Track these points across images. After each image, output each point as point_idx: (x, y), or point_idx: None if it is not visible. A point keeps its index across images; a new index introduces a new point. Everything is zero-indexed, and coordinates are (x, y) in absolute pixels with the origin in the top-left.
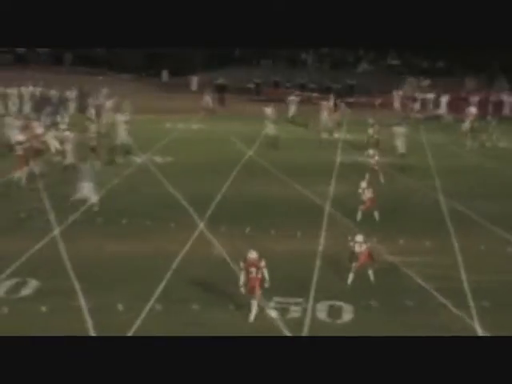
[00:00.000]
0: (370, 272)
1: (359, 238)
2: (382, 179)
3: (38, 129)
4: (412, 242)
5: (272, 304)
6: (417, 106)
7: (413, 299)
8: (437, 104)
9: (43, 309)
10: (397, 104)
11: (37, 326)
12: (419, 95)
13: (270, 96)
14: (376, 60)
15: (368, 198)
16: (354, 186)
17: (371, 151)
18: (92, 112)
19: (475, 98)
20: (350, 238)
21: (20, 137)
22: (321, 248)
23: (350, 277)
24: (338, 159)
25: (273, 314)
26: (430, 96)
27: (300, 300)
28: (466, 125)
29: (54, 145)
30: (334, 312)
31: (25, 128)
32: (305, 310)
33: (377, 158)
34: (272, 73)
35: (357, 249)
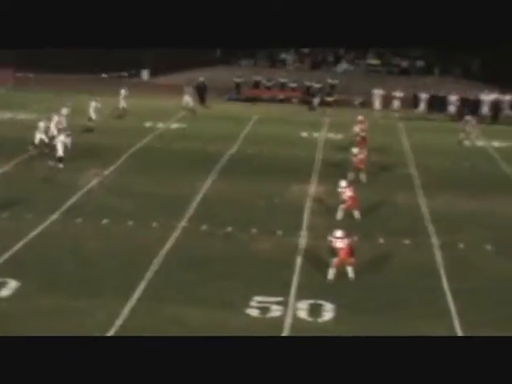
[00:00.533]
0: (350, 269)
1: (339, 233)
2: (363, 178)
3: (54, 130)
4: (392, 241)
5: (252, 303)
6: (397, 104)
7: (393, 298)
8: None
9: (24, 309)
10: (377, 103)
11: (19, 326)
12: (398, 94)
13: (250, 96)
14: (356, 59)
15: (349, 196)
16: (334, 184)
17: (355, 150)
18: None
19: (454, 97)
20: (329, 235)
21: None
22: (301, 247)
23: (331, 272)
24: (319, 157)
25: (251, 312)
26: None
27: (281, 299)
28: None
29: (60, 148)
30: (315, 311)
31: (47, 129)
32: (286, 309)
33: (360, 156)
34: (253, 72)
35: (338, 244)
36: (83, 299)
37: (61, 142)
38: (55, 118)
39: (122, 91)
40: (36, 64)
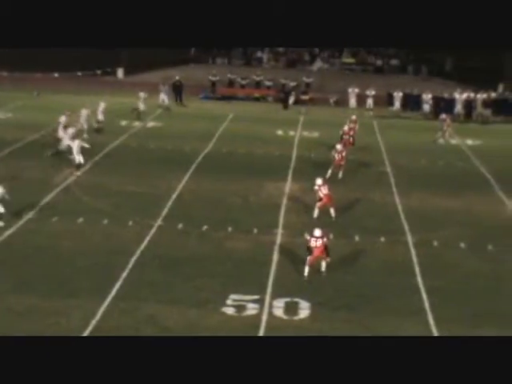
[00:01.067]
0: (323, 264)
1: (317, 232)
2: (340, 175)
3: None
4: (367, 238)
5: (228, 302)
6: (369, 102)
7: (368, 295)
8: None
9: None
10: (352, 101)
11: None
12: (371, 92)
13: (225, 94)
14: (331, 58)
15: (324, 194)
16: (309, 182)
17: (339, 146)
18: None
19: (428, 96)
20: (307, 233)
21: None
22: (277, 245)
23: (306, 270)
24: (295, 155)
25: (226, 311)
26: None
27: (257, 297)
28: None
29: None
30: (291, 309)
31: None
32: (262, 307)
33: (344, 153)
34: (227, 71)
35: (312, 243)
36: (58, 299)
37: (77, 147)
38: (63, 119)
39: (142, 94)
40: (10, 63)
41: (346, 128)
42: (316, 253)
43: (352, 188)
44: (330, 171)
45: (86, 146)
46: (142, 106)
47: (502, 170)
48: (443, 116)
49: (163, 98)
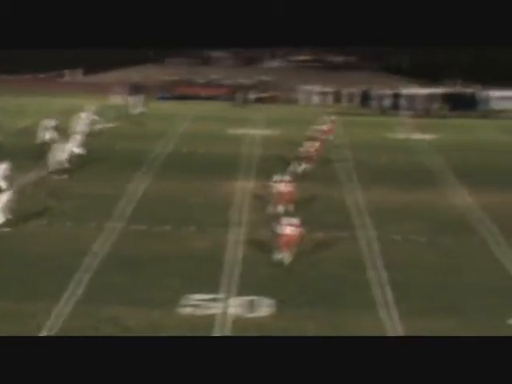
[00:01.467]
0: (287, 255)
1: (289, 221)
2: (307, 169)
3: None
4: (330, 234)
5: (190, 301)
6: (329, 99)
7: (330, 291)
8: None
9: None
10: (312, 98)
11: None
12: (330, 89)
13: (183, 94)
14: (289, 56)
15: (287, 191)
16: (271, 179)
17: (316, 143)
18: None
19: (386, 92)
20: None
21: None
22: (240, 243)
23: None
24: (255, 153)
25: (189, 310)
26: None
27: (218, 296)
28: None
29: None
30: (252, 306)
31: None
32: (223, 306)
33: (319, 152)
34: (185, 70)
35: (281, 230)
36: (22, 301)
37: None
38: (52, 123)
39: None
40: None
41: (324, 127)
42: (283, 240)
43: (314, 183)
44: (302, 167)
45: (80, 151)
46: (141, 108)
47: (460, 164)
48: (402, 112)
49: (122, 98)
